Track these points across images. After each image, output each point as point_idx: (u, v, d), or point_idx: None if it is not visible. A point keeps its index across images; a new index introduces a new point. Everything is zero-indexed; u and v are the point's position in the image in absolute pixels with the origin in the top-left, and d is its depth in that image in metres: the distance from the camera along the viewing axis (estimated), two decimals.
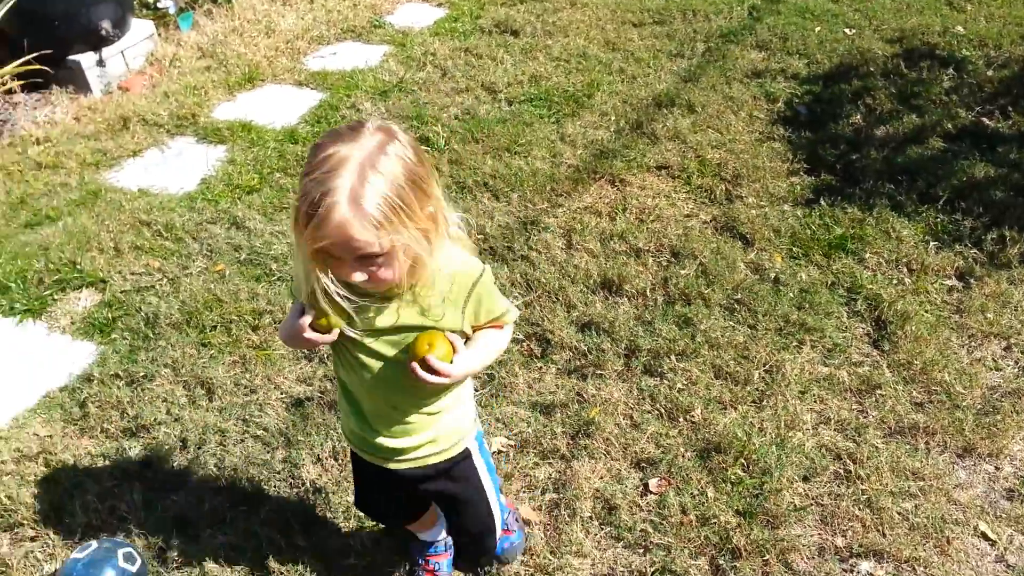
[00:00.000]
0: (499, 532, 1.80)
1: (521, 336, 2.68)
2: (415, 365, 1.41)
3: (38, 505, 2.16)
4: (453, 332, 1.46)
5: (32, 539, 2.09)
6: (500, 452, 2.30)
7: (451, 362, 1.43)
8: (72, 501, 2.17)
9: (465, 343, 1.49)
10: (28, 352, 2.71)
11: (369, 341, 1.46)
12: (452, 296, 1.45)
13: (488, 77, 4.31)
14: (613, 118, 3.91)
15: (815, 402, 2.44)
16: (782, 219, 3.20)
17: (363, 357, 1.49)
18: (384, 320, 1.44)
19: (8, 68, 3.98)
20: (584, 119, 3.94)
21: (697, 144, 3.66)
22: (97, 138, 3.91)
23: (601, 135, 3.79)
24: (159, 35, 4.64)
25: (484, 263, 1.49)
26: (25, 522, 2.12)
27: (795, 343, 2.63)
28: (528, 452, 2.30)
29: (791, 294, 2.82)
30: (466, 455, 1.65)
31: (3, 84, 4.00)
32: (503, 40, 4.78)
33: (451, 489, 1.68)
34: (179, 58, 4.52)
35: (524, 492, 2.19)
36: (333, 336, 1.45)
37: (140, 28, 4.53)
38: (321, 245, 1.26)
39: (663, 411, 2.41)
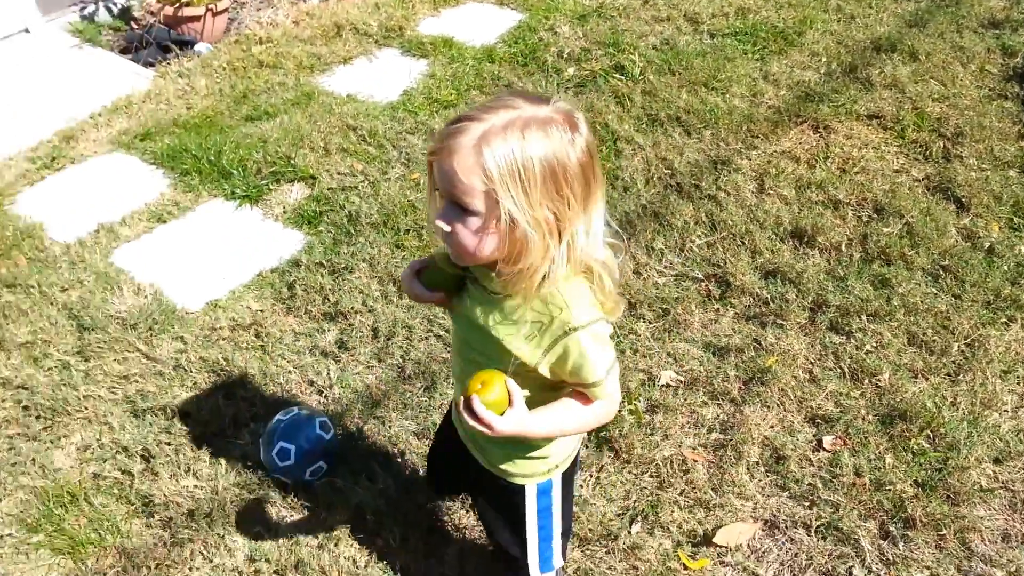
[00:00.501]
0: (554, 559, 1.58)
1: (700, 275, 2.64)
2: (461, 400, 1.25)
3: (248, 370, 2.41)
4: (524, 370, 1.27)
5: (242, 398, 2.35)
6: (668, 386, 2.31)
7: (501, 413, 1.23)
8: (277, 370, 2.41)
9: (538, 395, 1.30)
10: (245, 234, 2.99)
11: (460, 322, 1.37)
12: (541, 328, 1.25)
13: (691, 7, 4.16)
14: (824, 59, 3.67)
15: (1018, 383, 2.26)
16: (1005, 185, 2.92)
17: (457, 333, 1.43)
18: (471, 309, 1.31)
19: None
20: (791, 58, 3.73)
21: (916, 95, 3.38)
22: (312, 43, 4.15)
23: (809, 76, 3.58)
24: None
25: (604, 321, 1.26)
26: (236, 382, 2.39)
27: (1004, 319, 2.43)
28: (697, 390, 2.30)
29: (1006, 267, 2.59)
30: (518, 491, 1.47)
31: None
32: None
33: (493, 501, 1.56)
34: None
35: (688, 428, 2.21)
36: (432, 297, 1.36)
37: None
38: (429, 157, 1.18)
39: (846, 371, 2.32)
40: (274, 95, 3.76)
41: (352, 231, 2.91)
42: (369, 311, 2.60)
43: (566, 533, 1.59)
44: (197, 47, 4.11)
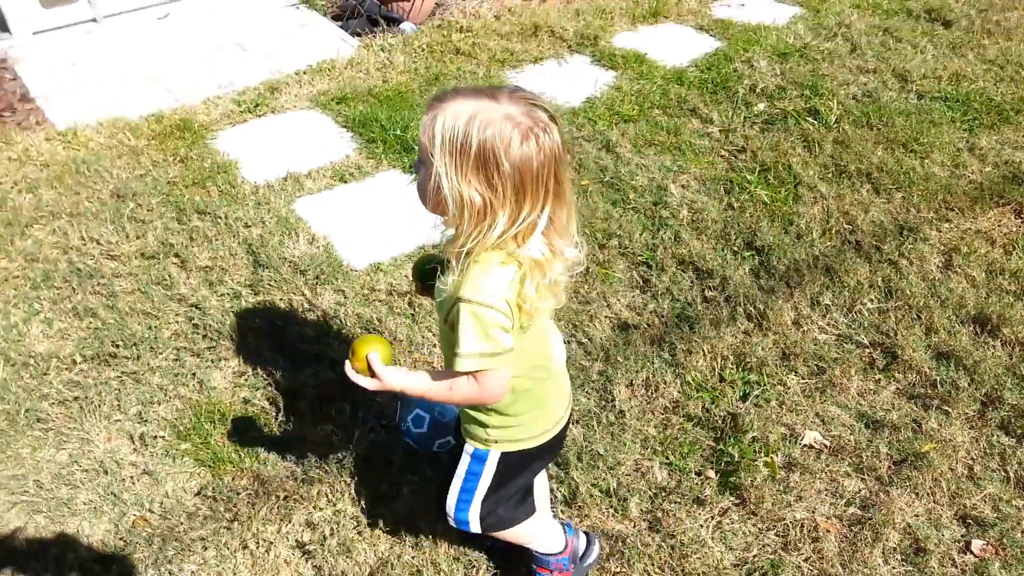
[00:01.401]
0: (449, 515, 1.67)
1: (866, 341, 2.50)
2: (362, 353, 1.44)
3: (397, 334, 2.49)
4: (449, 334, 1.39)
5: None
6: (811, 447, 2.20)
7: (388, 364, 1.44)
8: (422, 340, 2.48)
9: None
10: (414, 207, 3.08)
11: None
12: (450, 294, 1.36)
13: (902, 63, 3.95)
14: None
15: None
16: None
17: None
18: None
19: None
20: (1003, 135, 3.47)
21: None
22: (509, 38, 4.25)
23: (1019, 158, 3.32)
24: None
25: (494, 310, 1.31)
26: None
27: None
28: (842, 459, 2.17)
29: None
30: (470, 454, 1.60)
31: None
32: (930, 29, 4.34)
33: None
34: None
35: (826, 495, 2.09)
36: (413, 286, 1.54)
37: None
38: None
39: (1012, 476, 2.13)
40: (463, 82, 3.88)
41: None
42: None
43: (498, 511, 1.66)
44: (403, 25, 4.30)
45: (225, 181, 3.13)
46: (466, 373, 1.38)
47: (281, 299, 2.60)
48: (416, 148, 3.30)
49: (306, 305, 2.59)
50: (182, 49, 4.12)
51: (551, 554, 1.83)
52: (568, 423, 1.67)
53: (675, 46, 4.23)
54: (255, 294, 2.62)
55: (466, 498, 1.63)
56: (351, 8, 4.41)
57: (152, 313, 2.53)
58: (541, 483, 1.86)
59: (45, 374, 2.35)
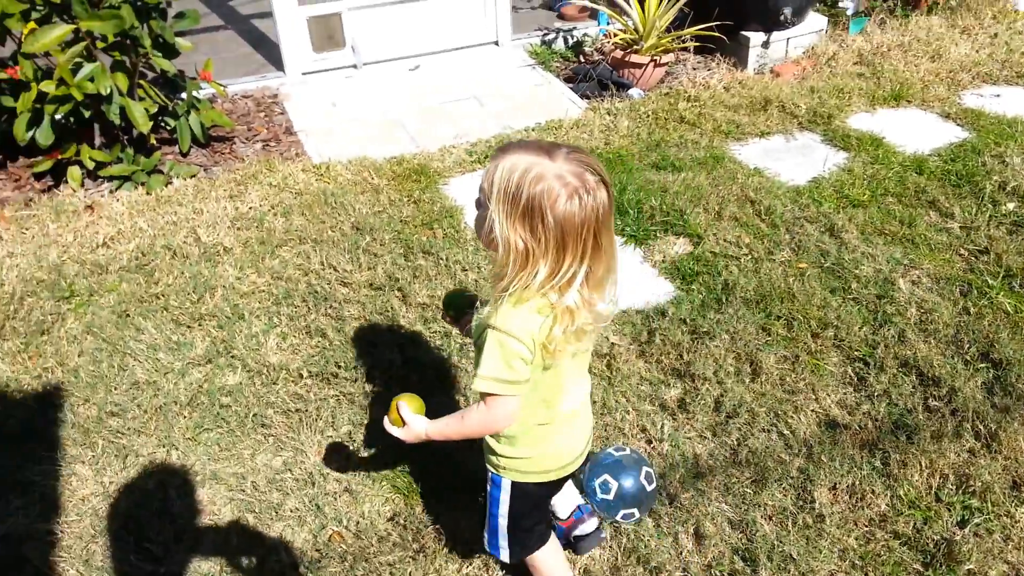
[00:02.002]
0: (501, 550, 1.78)
1: None
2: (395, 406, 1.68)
3: (595, 396, 2.51)
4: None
5: None
6: None
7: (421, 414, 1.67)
8: (615, 404, 2.49)
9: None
10: (622, 270, 3.12)
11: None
12: (482, 321, 1.50)
13: None
14: None
15: None
16: None
17: None
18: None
19: (691, 29, 4.50)
20: None
21: None
22: (736, 110, 4.22)
23: None
24: (826, 32, 4.74)
25: (519, 342, 1.43)
26: None
27: None
28: None
29: None
30: (489, 479, 1.73)
31: (683, 41, 4.54)
32: None
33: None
34: (836, 58, 4.58)
35: None
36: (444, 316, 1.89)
37: (812, 21, 4.70)
38: None
39: None
40: (684, 150, 3.89)
41: (723, 300, 2.90)
42: (718, 383, 2.56)
43: (520, 541, 1.78)
44: (631, 91, 4.41)
45: (450, 225, 3.34)
46: (481, 394, 1.53)
47: None
48: (626, 211, 3.38)
49: None
50: (426, 99, 4.48)
51: None
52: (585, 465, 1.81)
53: (917, 132, 3.99)
54: (463, 336, 2.76)
55: (493, 526, 1.76)
56: (584, 71, 4.58)
57: (373, 341, 2.74)
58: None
59: (274, 383, 2.61)
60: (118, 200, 3.49)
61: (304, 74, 4.70)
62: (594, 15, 5.09)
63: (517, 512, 1.73)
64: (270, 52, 4.85)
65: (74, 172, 3.56)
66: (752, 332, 2.76)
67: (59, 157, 3.54)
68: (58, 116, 3.34)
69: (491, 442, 1.68)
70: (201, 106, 3.79)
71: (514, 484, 1.70)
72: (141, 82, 3.54)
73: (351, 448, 2.39)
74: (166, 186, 3.61)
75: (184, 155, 3.83)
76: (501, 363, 1.46)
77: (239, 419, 2.49)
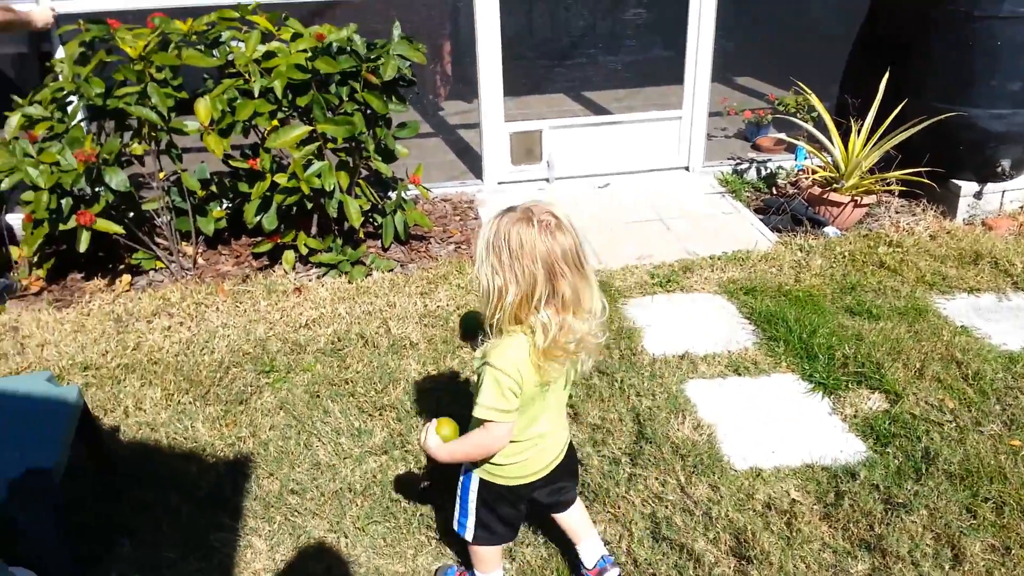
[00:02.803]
0: (453, 519, 2.10)
1: None
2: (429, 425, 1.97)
3: (770, 556, 2.35)
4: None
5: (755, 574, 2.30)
6: None
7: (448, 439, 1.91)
8: (793, 569, 2.30)
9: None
10: (808, 419, 2.96)
11: None
12: (480, 357, 1.79)
13: None
14: None
15: None
16: None
17: None
18: None
19: (897, 173, 4.34)
20: None
21: None
22: (943, 261, 3.97)
23: None
24: None
25: (508, 376, 1.72)
26: (756, 558, 2.34)
27: None
28: None
29: None
30: (463, 470, 2.04)
31: (887, 184, 4.38)
32: None
33: None
34: None
35: None
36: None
37: None
38: None
39: None
40: (883, 298, 3.68)
41: (922, 470, 2.65)
42: (913, 564, 2.31)
43: (486, 527, 2.06)
44: (826, 229, 4.28)
45: (627, 347, 3.32)
46: (480, 420, 1.80)
47: (656, 477, 2.63)
48: (815, 355, 3.22)
49: (678, 491, 2.58)
50: (612, 216, 4.57)
51: None
52: (551, 476, 2.03)
53: None
54: (633, 464, 2.69)
55: (464, 508, 2.06)
56: (777, 204, 4.52)
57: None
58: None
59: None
60: (323, 286, 3.78)
61: (500, 183, 4.96)
62: (791, 149, 5.05)
63: (485, 499, 2.02)
64: (471, 161, 5.17)
65: (289, 256, 3.90)
66: (955, 511, 2.49)
67: (278, 241, 3.90)
68: (284, 205, 3.69)
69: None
70: (406, 206, 4.07)
71: (481, 480, 2.00)
72: (359, 181, 3.87)
73: (511, 568, 2.35)
74: (366, 277, 3.86)
75: (385, 250, 4.10)
76: (497, 395, 1.74)
77: (406, 516, 2.53)
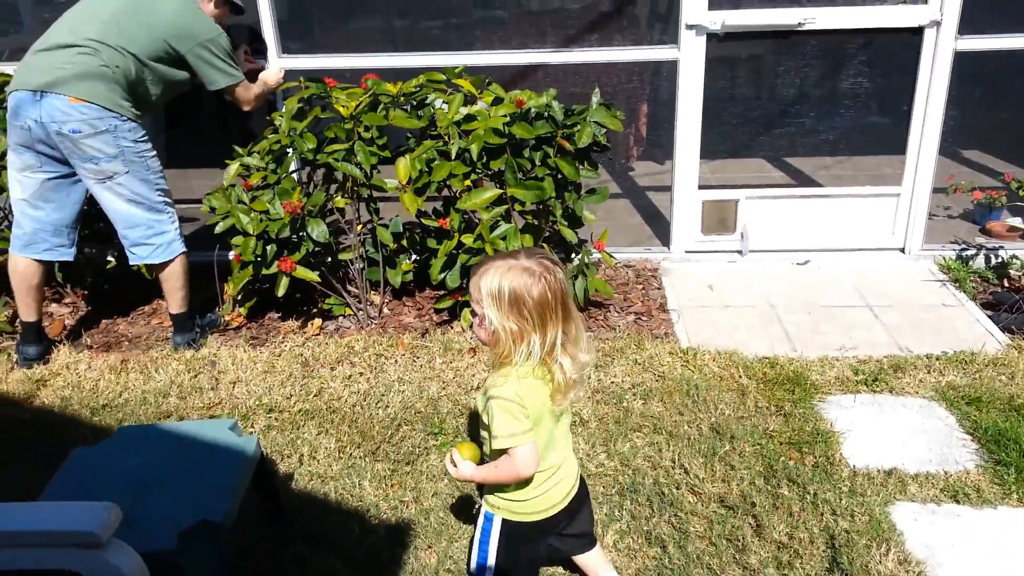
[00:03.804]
0: (471, 565, 2.14)
1: None
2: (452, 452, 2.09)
3: None
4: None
5: None
6: None
7: (473, 462, 2.05)
8: None
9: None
10: None
11: None
12: (484, 395, 1.96)
13: None
14: None
15: None
16: None
17: None
18: None
19: None
20: None
21: None
22: None
23: None
24: None
25: (513, 403, 1.86)
26: None
27: None
28: None
29: None
30: (483, 515, 2.12)
31: None
32: None
33: None
34: None
35: None
36: None
37: None
38: None
39: None
40: None
41: None
42: None
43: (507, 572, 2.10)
44: None
45: (823, 453, 2.97)
46: (502, 450, 1.92)
47: None
48: None
49: None
50: (812, 298, 4.20)
51: None
52: (571, 507, 2.12)
53: None
54: None
55: (483, 551, 2.09)
56: (1010, 301, 3.94)
57: (715, 570, 2.46)
58: None
59: None
60: None
61: (687, 252, 4.73)
62: None
63: (508, 541, 2.08)
64: (659, 226, 4.99)
65: (467, 314, 3.90)
66: None
67: (459, 298, 3.92)
68: (468, 264, 3.69)
69: (492, 493, 2.07)
70: (588, 272, 3.96)
71: (504, 521, 2.07)
72: (543, 243, 3.81)
73: None
74: None
75: None
76: (510, 421, 1.88)
77: None
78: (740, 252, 4.71)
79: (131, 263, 3.71)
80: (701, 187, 4.62)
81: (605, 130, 3.63)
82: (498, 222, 3.62)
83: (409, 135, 3.88)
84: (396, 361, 3.68)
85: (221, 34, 3.59)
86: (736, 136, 5.46)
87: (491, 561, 2.08)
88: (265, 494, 2.62)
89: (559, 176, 3.62)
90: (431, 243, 3.94)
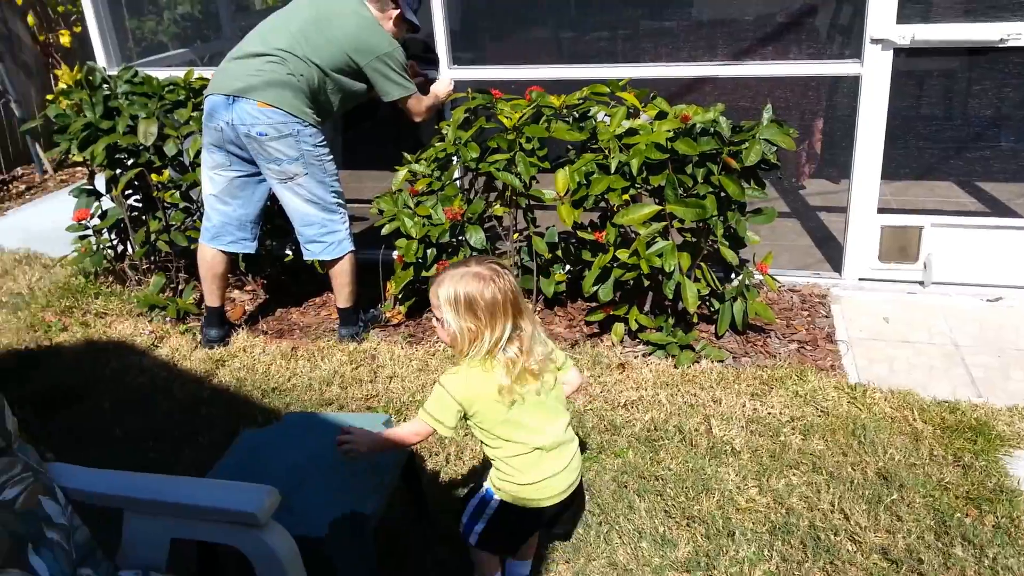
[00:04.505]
0: (462, 522, 2.28)
1: None
2: None
3: None
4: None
5: None
6: None
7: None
8: None
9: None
10: None
11: None
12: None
13: None
14: None
15: None
16: None
17: None
18: None
19: None
20: None
21: None
22: None
23: None
24: None
25: (445, 392, 2.07)
26: None
27: None
28: None
29: None
30: (486, 487, 2.24)
31: None
32: None
33: None
34: None
35: None
36: None
37: None
38: None
39: None
40: None
41: None
42: None
43: (494, 537, 2.26)
44: None
45: (1006, 513, 2.67)
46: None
47: None
48: None
49: None
50: (1003, 340, 3.79)
51: None
52: (568, 504, 2.22)
53: None
54: None
55: (477, 514, 2.24)
56: None
57: None
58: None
59: None
60: (647, 366, 3.65)
61: (861, 280, 4.42)
62: None
63: (503, 519, 2.21)
64: (830, 250, 4.70)
65: (618, 329, 3.84)
66: None
67: (610, 312, 3.87)
68: (621, 278, 3.64)
69: (494, 463, 2.18)
70: (748, 295, 3.79)
71: (502, 503, 2.19)
72: (701, 263, 3.69)
73: None
74: (693, 364, 3.65)
75: (718, 337, 3.86)
76: (435, 403, 2.09)
77: None
78: (921, 283, 4.34)
79: (305, 258, 3.95)
80: (880, 210, 4.29)
81: (775, 148, 3.46)
82: (655, 238, 3.54)
83: (570, 147, 3.88)
84: None
85: (397, 49, 3.75)
86: (922, 158, 5.05)
87: (482, 527, 2.23)
88: (413, 492, 2.69)
89: (722, 194, 3.49)
90: (586, 255, 3.92)
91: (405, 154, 3.98)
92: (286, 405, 3.53)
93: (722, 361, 3.69)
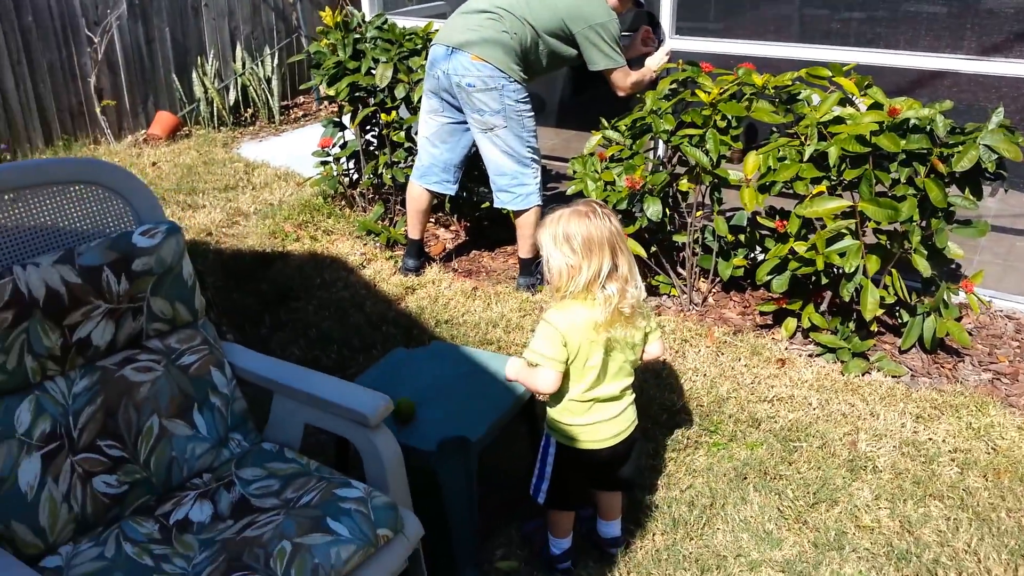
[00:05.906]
0: (541, 494, 2.38)
1: None
2: None
3: None
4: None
5: None
6: None
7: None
8: None
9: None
10: None
11: None
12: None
13: None
14: None
15: None
16: None
17: None
18: None
19: None
20: None
21: None
22: None
23: None
24: None
25: (552, 327, 2.13)
26: None
27: None
28: None
29: None
30: (544, 435, 2.38)
31: None
32: None
33: None
34: None
35: None
36: None
37: None
38: None
39: None
40: None
41: None
42: None
43: (559, 493, 2.38)
44: None
45: None
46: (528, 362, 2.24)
47: None
48: None
49: None
50: None
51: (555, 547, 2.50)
52: (622, 454, 2.35)
53: None
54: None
55: (541, 471, 2.36)
56: None
57: None
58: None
59: None
60: (810, 367, 3.50)
61: None
62: None
63: (561, 466, 2.32)
64: None
65: (789, 323, 3.71)
66: None
67: (783, 305, 3.74)
68: (798, 272, 3.50)
69: (548, 408, 2.30)
70: (945, 313, 3.47)
71: (559, 446, 2.30)
72: (891, 270, 3.44)
73: None
74: (862, 375, 3.44)
75: (901, 352, 3.59)
76: (544, 342, 2.14)
77: None
78: None
79: (495, 206, 4.23)
80: None
81: (996, 156, 3.11)
82: (841, 235, 3.36)
83: (773, 130, 3.75)
84: (699, 351, 3.67)
85: (612, 20, 3.84)
86: None
87: (547, 482, 2.35)
88: (532, 438, 2.88)
89: (925, 199, 3.21)
90: (768, 243, 3.80)
91: (602, 119, 4.08)
92: (451, 337, 3.86)
93: (897, 377, 3.44)
